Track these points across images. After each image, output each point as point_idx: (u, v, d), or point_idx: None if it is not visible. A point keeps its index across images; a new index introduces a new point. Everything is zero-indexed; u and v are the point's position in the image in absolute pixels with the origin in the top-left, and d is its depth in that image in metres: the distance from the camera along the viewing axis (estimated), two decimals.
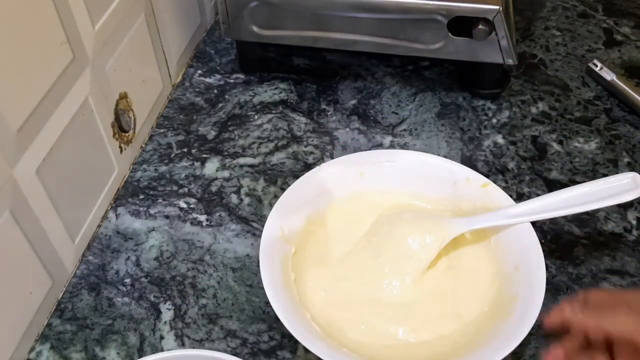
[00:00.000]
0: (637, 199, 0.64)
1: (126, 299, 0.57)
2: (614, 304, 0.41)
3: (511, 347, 0.46)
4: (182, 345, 0.54)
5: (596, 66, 0.76)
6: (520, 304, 0.49)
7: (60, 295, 0.57)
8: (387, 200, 0.59)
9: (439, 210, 0.59)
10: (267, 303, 0.50)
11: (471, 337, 0.50)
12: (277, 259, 0.53)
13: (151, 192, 0.66)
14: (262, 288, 0.50)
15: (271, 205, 0.57)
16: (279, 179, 0.67)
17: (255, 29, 0.71)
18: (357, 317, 0.52)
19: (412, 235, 0.54)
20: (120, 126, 0.65)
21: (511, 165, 0.68)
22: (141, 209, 0.64)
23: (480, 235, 0.56)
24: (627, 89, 0.74)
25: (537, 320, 0.48)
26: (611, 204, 0.52)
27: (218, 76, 0.79)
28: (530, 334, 0.47)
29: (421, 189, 0.59)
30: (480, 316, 0.52)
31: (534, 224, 0.54)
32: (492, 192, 0.57)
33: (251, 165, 0.68)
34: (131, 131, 0.67)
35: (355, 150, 0.69)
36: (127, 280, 0.58)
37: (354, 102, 0.76)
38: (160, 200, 0.65)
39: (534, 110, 0.74)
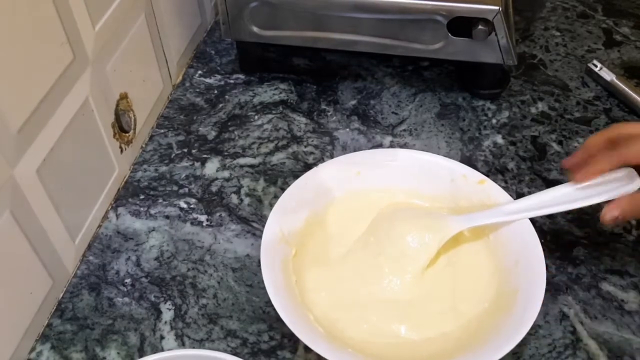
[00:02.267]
0: None
1: (126, 299, 0.57)
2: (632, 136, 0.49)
3: (514, 343, 0.46)
4: (183, 345, 0.54)
5: (596, 66, 0.76)
6: (521, 298, 0.50)
7: (61, 295, 0.57)
8: (385, 199, 0.59)
9: (437, 208, 0.59)
10: (267, 303, 0.50)
11: (473, 333, 0.50)
12: (278, 261, 0.53)
13: (151, 192, 0.66)
14: (263, 288, 0.50)
15: (271, 206, 0.57)
16: (279, 179, 0.67)
17: (255, 29, 0.72)
18: (358, 317, 0.52)
19: (411, 234, 0.54)
20: (121, 126, 0.65)
21: (511, 165, 0.68)
22: (141, 209, 0.64)
23: (478, 232, 0.57)
24: (626, 89, 0.74)
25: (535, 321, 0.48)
26: (607, 199, 0.52)
27: (218, 76, 0.79)
28: (529, 333, 0.47)
29: (418, 186, 0.59)
30: (481, 312, 0.52)
31: (533, 222, 0.54)
32: (489, 189, 0.57)
33: (251, 166, 0.68)
34: (131, 131, 0.67)
35: (355, 151, 0.69)
36: (128, 280, 0.58)
37: (354, 102, 0.76)
38: (160, 201, 0.65)
39: (533, 110, 0.74)
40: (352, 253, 0.56)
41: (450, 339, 0.51)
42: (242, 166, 0.68)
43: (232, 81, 0.79)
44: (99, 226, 0.63)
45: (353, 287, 0.54)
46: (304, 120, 0.73)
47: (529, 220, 0.54)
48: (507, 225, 0.55)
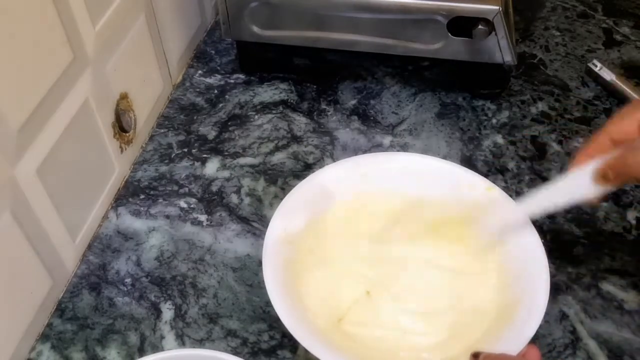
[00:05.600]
0: (637, 198, 0.64)
1: (127, 299, 0.57)
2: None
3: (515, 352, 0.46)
4: (183, 344, 0.54)
5: (596, 66, 0.76)
6: (523, 307, 0.49)
7: (61, 295, 0.57)
8: (388, 202, 0.59)
9: (440, 212, 0.59)
10: (268, 303, 0.50)
11: (474, 343, 0.50)
12: (280, 262, 0.53)
13: (152, 192, 0.66)
14: (263, 288, 0.50)
15: (271, 205, 0.57)
16: (280, 179, 0.67)
17: (255, 29, 0.72)
18: (359, 320, 0.52)
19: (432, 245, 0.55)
20: (121, 126, 0.65)
21: (511, 165, 0.68)
22: (142, 208, 0.64)
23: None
24: (626, 89, 0.74)
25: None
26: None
27: (218, 76, 0.79)
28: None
29: (424, 191, 0.59)
30: (483, 322, 0.51)
31: (533, 222, 0.54)
32: (496, 196, 0.57)
33: (251, 165, 0.68)
34: (132, 131, 0.67)
35: (355, 151, 0.69)
36: (128, 280, 0.58)
37: (354, 102, 0.76)
38: (160, 200, 0.65)
39: (533, 110, 0.74)
40: (356, 256, 0.56)
41: (450, 347, 0.50)
42: (242, 166, 0.68)
43: (232, 81, 0.79)
44: (99, 226, 0.63)
45: (354, 291, 0.54)
46: (304, 120, 0.74)
47: (534, 229, 0.53)
48: (512, 235, 0.54)
